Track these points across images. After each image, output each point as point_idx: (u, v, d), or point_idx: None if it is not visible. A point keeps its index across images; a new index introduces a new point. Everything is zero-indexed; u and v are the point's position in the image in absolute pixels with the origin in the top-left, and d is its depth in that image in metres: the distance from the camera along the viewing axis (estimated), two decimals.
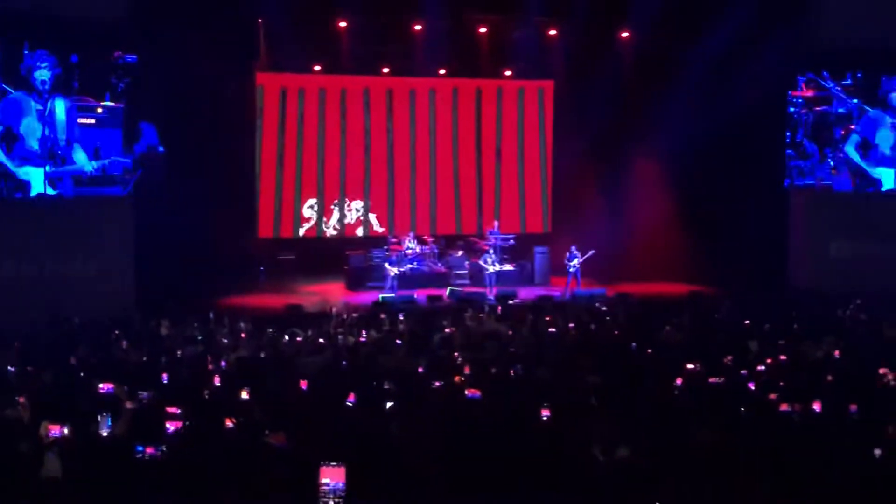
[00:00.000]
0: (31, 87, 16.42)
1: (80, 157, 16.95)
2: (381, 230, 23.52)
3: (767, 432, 5.41)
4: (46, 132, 16.64)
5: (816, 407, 6.34)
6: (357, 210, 23.72)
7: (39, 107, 16.54)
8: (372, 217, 23.88)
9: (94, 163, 17.03)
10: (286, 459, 4.65)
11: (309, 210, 23.21)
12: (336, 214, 23.52)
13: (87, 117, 17.03)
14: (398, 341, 12.62)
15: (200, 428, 5.25)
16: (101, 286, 16.99)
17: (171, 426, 5.18)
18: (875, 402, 6.79)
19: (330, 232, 23.48)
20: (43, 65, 16.43)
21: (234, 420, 5.45)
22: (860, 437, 5.44)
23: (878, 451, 5.07)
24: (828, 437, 5.44)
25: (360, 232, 23.64)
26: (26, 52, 16.31)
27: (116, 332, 13.31)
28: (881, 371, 8.98)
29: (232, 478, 4.11)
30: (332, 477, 4.01)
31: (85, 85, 16.95)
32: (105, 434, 5.25)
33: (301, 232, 23.19)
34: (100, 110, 17.11)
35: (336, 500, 3.97)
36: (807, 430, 5.62)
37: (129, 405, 6.10)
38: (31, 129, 16.49)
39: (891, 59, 19.28)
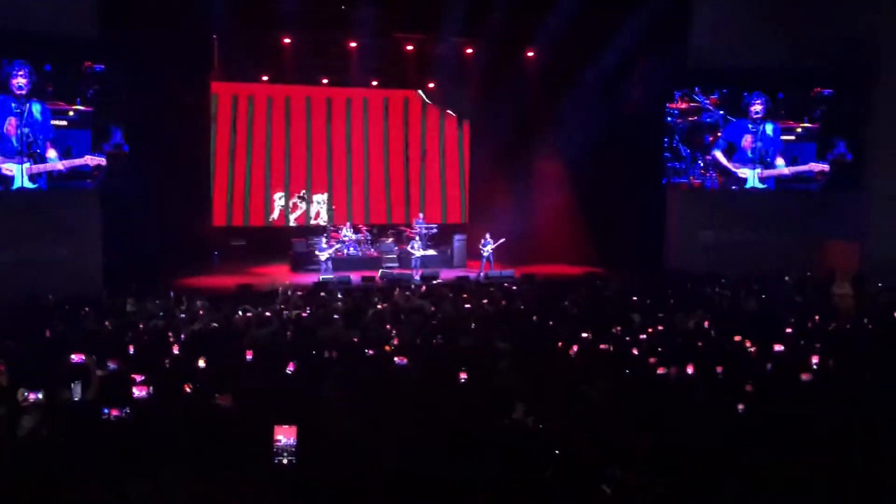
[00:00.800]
0: (10, 92, 15.88)
1: (51, 155, 16.43)
2: (321, 220, 23.30)
3: (648, 391, 5.50)
4: (25, 132, 16.13)
5: (690, 370, 6.46)
6: (300, 202, 23.46)
7: (18, 110, 16.02)
8: (313, 208, 23.63)
9: (64, 161, 16.53)
10: (233, 419, 4.59)
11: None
12: (279, 207, 23.28)
13: (60, 119, 16.52)
14: (336, 316, 12.51)
15: (163, 392, 5.13)
16: (72, 268, 16.51)
17: (137, 391, 5.07)
18: (736, 365, 6.95)
19: (276, 220, 23.24)
20: (20, 73, 15.91)
21: (191, 385, 5.34)
22: (726, 394, 5.56)
23: (740, 406, 5.19)
24: (699, 395, 5.55)
25: (291, 220, 23.39)
26: (5, 61, 15.77)
27: (86, 308, 12.97)
28: (737, 339, 9.21)
29: (189, 435, 4.04)
30: (284, 435, 3.97)
31: (58, 91, 16.41)
32: (76, 399, 5.10)
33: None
34: (71, 113, 16.57)
35: (288, 456, 3.92)
36: (681, 389, 5.72)
37: (98, 373, 5.93)
38: (11, 128, 15.96)
39: (750, 78, 19.77)
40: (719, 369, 6.65)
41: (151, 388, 5.13)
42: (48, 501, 3.14)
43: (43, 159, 16.35)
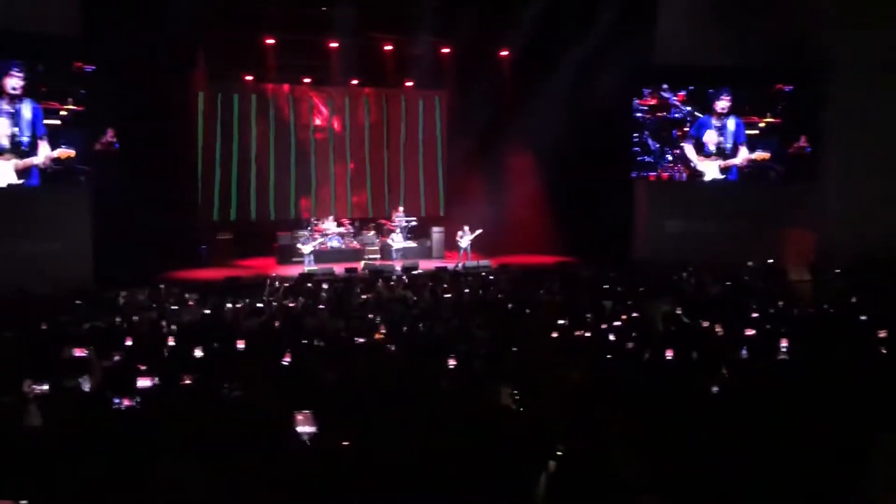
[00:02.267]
0: (3, 91, 15.66)
1: (43, 152, 16.25)
2: (305, 214, 23.22)
3: (629, 374, 5.54)
4: (16, 131, 15.91)
5: (668, 354, 6.51)
6: (284, 197, 23.38)
7: (10, 109, 15.79)
8: (298, 203, 23.55)
9: (54, 157, 16.36)
10: (246, 407, 4.55)
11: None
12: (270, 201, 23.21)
13: (53, 119, 16.33)
14: (321, 306, 12.49)
15: (168, 382, 5.09)
16: (63, 263, 16.31)
17: (141, 382, 5.02)
18: (708, 349, 7.01)
19: (262, 216, 23.12)
20: (14, 73, 15.71)
21: (191, 376, 5.28)
22: (701, 377, 5.60)
23: (715, 389, 5.24)
24: (677, 378, 5.59)
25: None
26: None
27: (78, 301, 12.84)
28: (705, 324, 9.30)
29: (201, 424, 4.00)
30: (303, 423, 3.90)
31: (51, 91, 16.27)
32: (83, 390, 5.05)
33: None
34: (63, 113, 16.41)
35: (306, 442, 3.86)
36: (660, 372, 5.77)
37: (105, 364, 5.87)
38: (1, 128, 15.74)
39: (714, 75, 19.95)
40: (694, 354, 6.73)
41: (156, 378, 5.08)
42: (58, 490, 3.12)
43: (31, 157, 16.19)
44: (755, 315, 10.09)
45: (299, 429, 3.82)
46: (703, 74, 19.95)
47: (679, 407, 4.46)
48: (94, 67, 16.60)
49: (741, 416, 4.28)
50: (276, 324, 10.24)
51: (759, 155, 20.32)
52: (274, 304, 12.97)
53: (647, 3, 19.09)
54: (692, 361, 6.39)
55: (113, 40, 16.32)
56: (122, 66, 16.74)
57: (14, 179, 16.01)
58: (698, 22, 18.72)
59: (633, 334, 8.38)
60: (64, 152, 16.47)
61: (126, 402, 4.42)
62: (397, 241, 20.23)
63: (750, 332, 8.03)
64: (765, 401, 4.53)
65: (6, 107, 15.76)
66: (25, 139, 16.07)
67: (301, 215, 23.18)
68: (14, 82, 15.72)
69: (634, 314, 10.75)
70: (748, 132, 20.39)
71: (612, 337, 8.57)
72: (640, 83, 20.07)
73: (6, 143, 15.87)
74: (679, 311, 10.26)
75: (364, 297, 13.67)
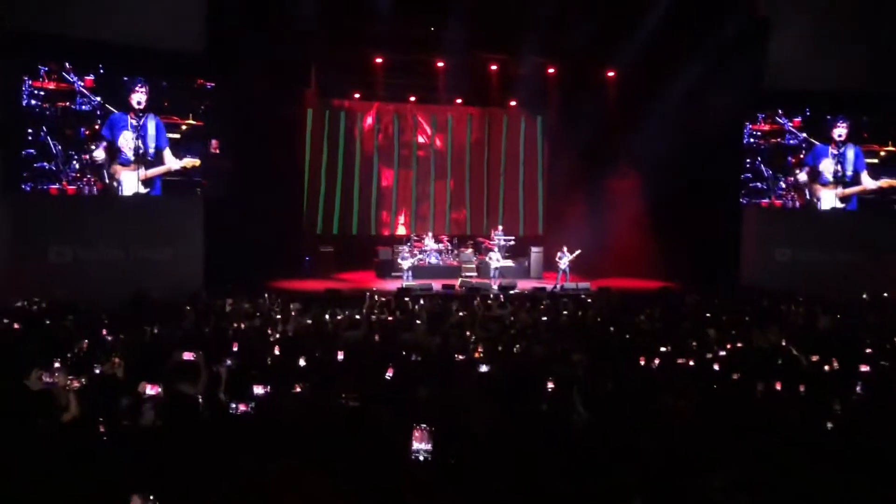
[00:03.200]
0: (129, 107, 16.57)
1: (169, 162, 17.10)
2: (405, 230, 23.56)
3: (737, 406, 5.35)
4: (140, 143, 16.79)
5: (777, 386, 6.27)
6: (385, 212, 23.82)
7: (136, 122, 16.69)
8: (399, 219, 23.93)
9: (180, 167, 17.18)
10: (363, 417, 4.59)
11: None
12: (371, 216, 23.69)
13: (174, 133, 17.21)
14: (418, 321, 12.57)
15: (281, 389, 5.21)
16: (175, 269, 17.03)
17: (255, 389, 5.15)
18: (819, 384, 6.70)
19: (363, 230, 23.61)
20: (139, 89, 16.61)
21: (304, 384, 5.38)
22: (813, 412, 5.37)
23: (829, 425, 5.00)
24: (787, 412, 5.37)
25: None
26: (126, 78, 16.52)
27: (188, 307, 13.31)
28: (814, 358, 8.89)
29: (317, 432, 4.07)
30: (419, 437, 3.90)
31: (172, 106, 17.14)
32: (194, 393, 5.22)
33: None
34: (184, 128, 17.28)
35: (424, 455, 3.83)
36: (770, 406, 5.54)
37: (219, 369, 6.05)
38: (127, 140, 16.63)
39: (832, 102, 19.23)
40: (801, 388, 6.45)
41: (268, 385, 5.21)
42: (178, 488, 3.24)
43: (153, 168, 17.04)
44: (869, 350, 9.58)
45: (415, 445, 3.81)
46: (819, 100, 19.23)
47: (791, 442, 4.27)
48: (213, 84, 17.40)
49: (860, 454, 4.07)
50: (376, 337, 10.35)
51: (887, 182, 19.39)
52: (372, 317, 13.14)
53: (760, 25, 18.59)
54: (801, 396, 6.13)
55: (233, 58, 17.07)
56: (240, 83, 17.47)
57: (140, 189, 16.88)
58: (813, 45, 18.10)
59: (740, 365, 8.08)
60: (190, 161, 17.29)
61: (242, 407, 4.55)
62: (495, 259, 20.24)
63: (864, 367, 7.63)
64: (884, 439, 4.29)
65: (132, 120, 16.65)
66: (151, 150, 16.91)
67: (401, 231, 23.52)
68: (139, 97, 16.62)
69: (739, 344, 10.37)
70: (867, 160, 19.51)
71: (716, 366, 8.29)
72: (753, 107, 19.50)
73: (131, 154, 16.75)
74: (784, 343, 9.85)
75: (460, 314, 13.68)
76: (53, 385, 5.22)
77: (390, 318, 13.07)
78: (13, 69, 14.94)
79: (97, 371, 6.33)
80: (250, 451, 3.60)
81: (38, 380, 5.32)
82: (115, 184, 16.61)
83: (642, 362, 8.62)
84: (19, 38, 14.66)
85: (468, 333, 11.13)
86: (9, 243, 15.17)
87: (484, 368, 7.66)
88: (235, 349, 7.79)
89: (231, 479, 3.30)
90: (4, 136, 14.90)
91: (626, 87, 20.87)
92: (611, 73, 21.26)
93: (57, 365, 5.70)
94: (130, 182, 16.81)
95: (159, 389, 4.92)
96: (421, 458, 3.76)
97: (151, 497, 2.99)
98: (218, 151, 17.71)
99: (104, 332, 9.46)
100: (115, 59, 16.18)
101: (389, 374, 6.46)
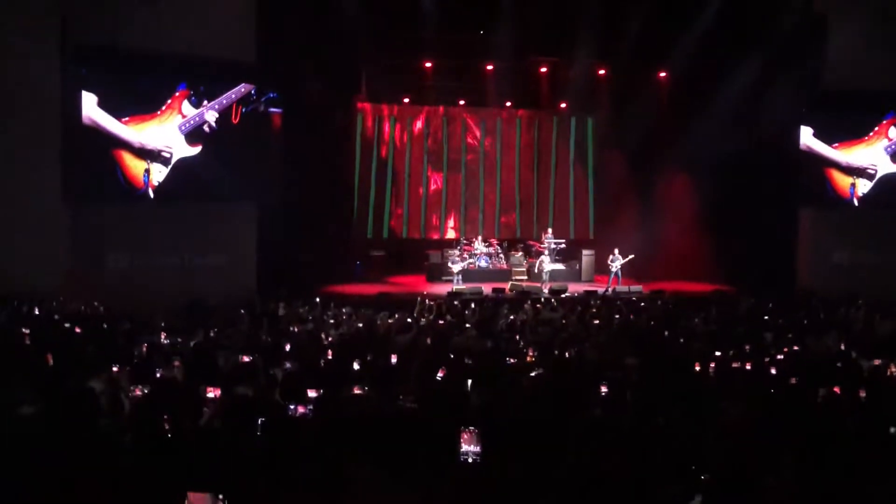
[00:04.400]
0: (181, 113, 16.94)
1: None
2: (454, 234, 23.64)
3: (797, 412, 5.25)
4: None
5: (836, 391, 6.14)
6: (435, 216, 23.93)
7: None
8: (449, 222, 24.01)
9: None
10: (419, 420, 4.64)
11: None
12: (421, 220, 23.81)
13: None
14: (468, 325, 12.58)
15: (335, 391, 5.29)
16: (229, 275, 17.29)
17: (310, 392, 5.24)
18: (880, 389, 6.55)
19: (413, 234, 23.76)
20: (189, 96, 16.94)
21: (362, 386, 5.45)
22: (876, 417, 5.25)
23: (893, 429, 4.88)
24: (849, 417, 5.25)
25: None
26: (182, 84, 16.79)
27: (242, 311, 13.56)
28: (876, 362, 8.68)
29: (374, 434, 4.12)
30: (468, 442, 3.94)
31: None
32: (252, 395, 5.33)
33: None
34: None
35: (473, 457, 3.87)
36: (831, 411, 5.43)
37: (265, 372, 6.18)
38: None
39: (882, 100, 18.83)
40: (862, 393, 6.31)
41: (321, 388, 5.29)
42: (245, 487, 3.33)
43: None
44: None
45: (464, 447, 3.84)
46: (865, 99, 18.74)
47: (851, 448, 4.19)
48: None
49: None
50: (428, 340, 10.41)
51: None
52: (423, 321, 13.21)
53: (817, 26, 18.21)
54: (862, 401, 5.99)
55: (283, 66, 17.33)
56: (291, 90, 17.73)
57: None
58: (861, 45, 17.68)
59: (797, 369, 7.94)
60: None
61: (300, 409, 4.64)
62: (546, 263, 20.14)
63: None
64: None
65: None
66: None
67: (450, 235, 23.60)
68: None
69: (796, 348, 10.18)
70: None
71: (773, 371, 8.15)
72: (809, 108, 19.10)
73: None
74: (843, 348, 9.65)
75: (511, 317, 13.67)
76: (115, 387, 5.39)
77: (441, 322, 13.13)
78: (74, 81, 15.33)
79: (158, 375, 6.51)
80: (311, 451, 3.67)
81: (101, 382, 5.49)
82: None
83: (697, 367, 8.53)
84: (77, 50, 15.09)
85: (518, 337, 11.13)
86: (70, 250, 15.58)
87: (535, 373, 7.68)
88: (290, 353, 7.92)
89: (294, 478, 3.37)
90: (66, 147, 15.30)
91: (679, 88, 20.63)
92: (662, 74, 21.03)
93: (116, 369, 5.88)
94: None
95: (219, 392, 5.04)
96: (469, 459, 3.80)
97: (215, 495, 3.08)
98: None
99: (163, 336, 9.69)
100: (171, 70, 16.51)
101: (440, 375, 6.50)
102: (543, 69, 21.42)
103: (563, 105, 23.35)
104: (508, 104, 23.36)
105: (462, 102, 23.23)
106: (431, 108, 23.49)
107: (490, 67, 20.93)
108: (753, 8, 18.02)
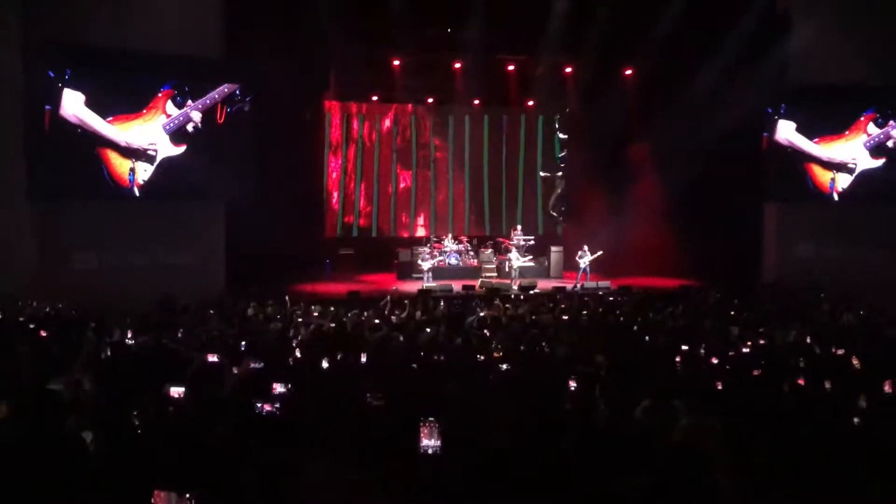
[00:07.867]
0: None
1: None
2: (424, 232, 23.61)
3: (761, 403, 5.29)
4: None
5: (800, 382, 6.22)
6: (404, 214, 23.88)
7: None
8: (418, 220, 23.98)
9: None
10: (383, 416, 4.62)
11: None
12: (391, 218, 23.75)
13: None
14: (438, 322, 12.55)
15: (303, 390, 5.25)
16: (199, 273, 17.18)
17: (276, 388, 5.19)
18: (844, 380, 6.63)
19: (383, 232, 23.69)
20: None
21: (330, 384, 5.41)
22: (839, 408, 5.32)
23: (856, 420, 4.96)
24: (813, 408, 5.32)
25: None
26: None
27: (211, 310, 13.42)
28: (839, 352, 8.80)
29: (339, 430, 4.10)
30: (427, 434, 3.93)
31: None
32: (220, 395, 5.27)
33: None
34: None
35: (433, 451, 3.87)
36: (798, 402, 5.49)
37: (232, 371, 6.12)
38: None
39: (855, 95, 19.12)
40: (827, 384, 6.39)
41: (290, 385, 5.24)
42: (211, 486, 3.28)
43: None
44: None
45: (423, 441, 3.84)
46: (843, 94, 19.02)
47: (820, 437, 4.25)
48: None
49: (887, 449, 4.03)
50: (401, 338, 10.37)
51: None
52: (393, 318, 13.17)
53: (781, 20, 18.44)
54: (826, 391, 6.07)
55: (251, 62, 17.18)
56: (259, 86, 17.57)
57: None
58: (835, 40, 17.94)
59: (762, 362, 8.02)
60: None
61: (266, 407, 4.60)
62: (515, 259, 20.18)
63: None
64: None
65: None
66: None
67: (420, 232, 23.57)
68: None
69: (762, 341, 10.29)
70: None
71: (739, 364, 8.23)
72: (772, 101, 19.33)
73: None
74: (809, 340, 9.76)
75: (481, 314, 13.67)
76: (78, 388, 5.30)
77: (411, 320, 13.09)
78: (38, 78, 15.04)
79: (119, 374, 6.40)
80: (277, 448, 3.64)
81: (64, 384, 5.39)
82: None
83: (664, 362, 8.58)
84: (44, 48, 14.83)
85: (488, 334, 11.13)
86: (36, 250, 15.32)
87: (505, 367, 7.69)
88: (258, 351, 7.84)
89: (259, 476, 3.34)
90: (30, 145, 15.02)
91: (645, 84, 20.77)
92: (628, 72, 21.18)
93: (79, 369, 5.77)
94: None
95: (183, 391, 4.97)
96: (430, 452, 3.79)
97: (180, 494, 3.03)
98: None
99: (129, 334, 9.55)
100: (138, 66, 16.29)
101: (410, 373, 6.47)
102: (511, 67, 21.50)
103: (531, 103, 23.44)
104: (476, 102, 23.39)
105: (430, 100, 23.24)
106: (400, 106, 23.46)
107: (458, 65, 20.97)
108: (717, 4, 18.19)
